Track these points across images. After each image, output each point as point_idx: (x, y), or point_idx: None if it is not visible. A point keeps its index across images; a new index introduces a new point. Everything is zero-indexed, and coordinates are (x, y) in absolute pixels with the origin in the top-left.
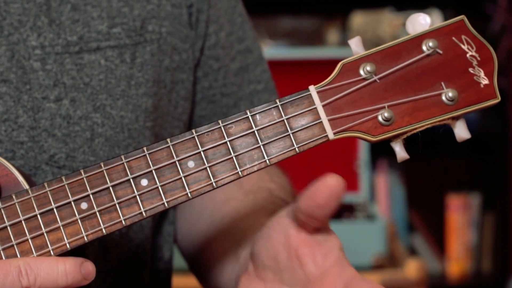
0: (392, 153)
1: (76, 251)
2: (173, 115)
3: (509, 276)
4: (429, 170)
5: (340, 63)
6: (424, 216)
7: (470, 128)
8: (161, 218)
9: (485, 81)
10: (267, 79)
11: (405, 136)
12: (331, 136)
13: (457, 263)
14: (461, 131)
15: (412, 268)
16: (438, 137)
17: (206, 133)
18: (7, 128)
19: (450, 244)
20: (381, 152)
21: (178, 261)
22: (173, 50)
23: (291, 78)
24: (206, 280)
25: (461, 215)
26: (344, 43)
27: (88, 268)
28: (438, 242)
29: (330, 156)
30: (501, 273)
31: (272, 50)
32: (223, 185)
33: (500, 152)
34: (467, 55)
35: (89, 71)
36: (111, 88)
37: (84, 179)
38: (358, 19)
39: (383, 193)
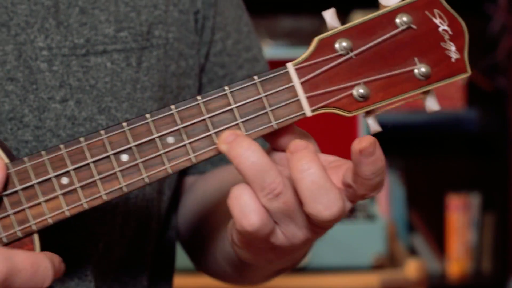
0: (392, 153)
1: (77, 251)
2: None
3: (509, 276)
4: (429, 170)
5: (316, 39)
6: (424, 216)
7: (470, 128)
8: (164, 223)
9: (456, 55)
10: None
11: (379, 111)
12: (308, 113)
13: (457, 263)
14: (431, 104)
15: (412, 268)
16: (438, 137)
17: (185, 109)
18: (13, 127)
19: (450, 244)
20: None
21: (179, 261)
22: (179, 55)
23: None
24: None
25: (461, 215)
26: None
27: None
28: (438, 242)
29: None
30: (501, 273)
31: (272, 50)
32: (203, 160)
33: (500, 152)
34: (439, 29)
35: (95, 74)
36: (117, 91)
37: (64, 154)
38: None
39: (383, 193)
